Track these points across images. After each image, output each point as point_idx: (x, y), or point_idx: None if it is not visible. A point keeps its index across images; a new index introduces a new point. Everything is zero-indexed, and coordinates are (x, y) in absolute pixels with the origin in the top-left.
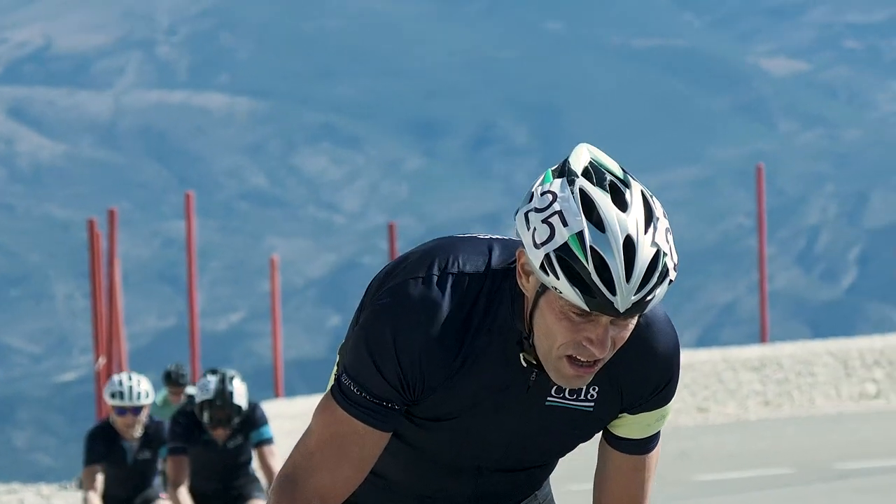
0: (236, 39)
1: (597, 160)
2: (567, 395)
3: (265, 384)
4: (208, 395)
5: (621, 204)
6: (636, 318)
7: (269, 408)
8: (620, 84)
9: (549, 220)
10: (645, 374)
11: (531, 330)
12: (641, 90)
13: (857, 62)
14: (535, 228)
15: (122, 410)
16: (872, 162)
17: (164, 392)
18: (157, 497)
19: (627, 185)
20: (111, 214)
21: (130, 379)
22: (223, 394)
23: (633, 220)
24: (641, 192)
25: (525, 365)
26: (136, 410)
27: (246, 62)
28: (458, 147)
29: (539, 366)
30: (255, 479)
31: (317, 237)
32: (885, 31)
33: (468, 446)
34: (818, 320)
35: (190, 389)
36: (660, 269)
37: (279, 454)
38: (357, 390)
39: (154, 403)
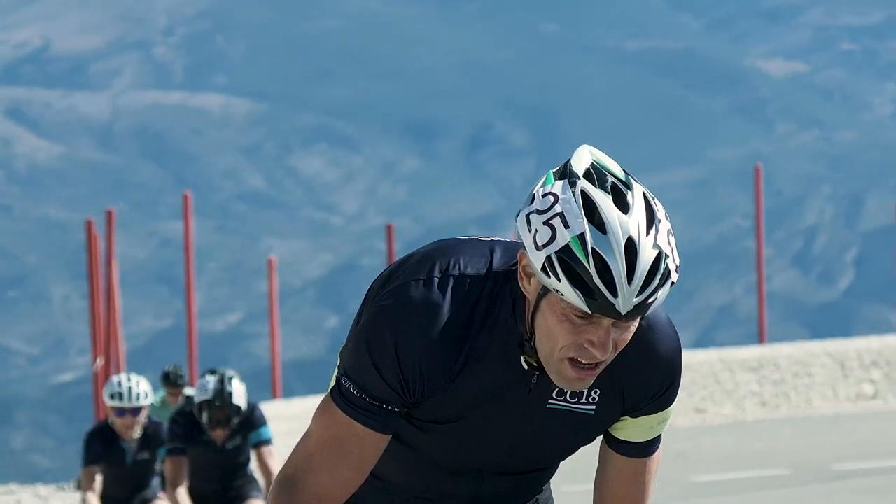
0: (233, 41)
1: (598, 162)
2: (568, 397)
3: (263, 385)
4: (207, 396)
5: (623, 206)
6: (638, 320)
7: (267, 409)
8: (617, 85)
9: (551, 221)
10: (647, 376)
11: (533, 332)
12: (638, 91)
13: (853, 64)
14: (536, 230)
15: (121, 411)
16: (869, 164)
17: (161, 393)
18: (156, 497)
19: (629, 187)
20: (109, 215)
21: (129, 380)
22: (222, 394)
23: (634, 221)
24: (643, 193)
25: (526, 367)
26: (136, 411)
27: (243, 63)
28: (455, 148)
29: (540, 368)
30: (254, 480)
31: (314, 238)
32: (881, 33)
33: (469, 449)
34: (815, 321)
35: (188, 390)
36: (661, 271)
37: (278, 455)
38: (357, 392)
39: (152, 404)
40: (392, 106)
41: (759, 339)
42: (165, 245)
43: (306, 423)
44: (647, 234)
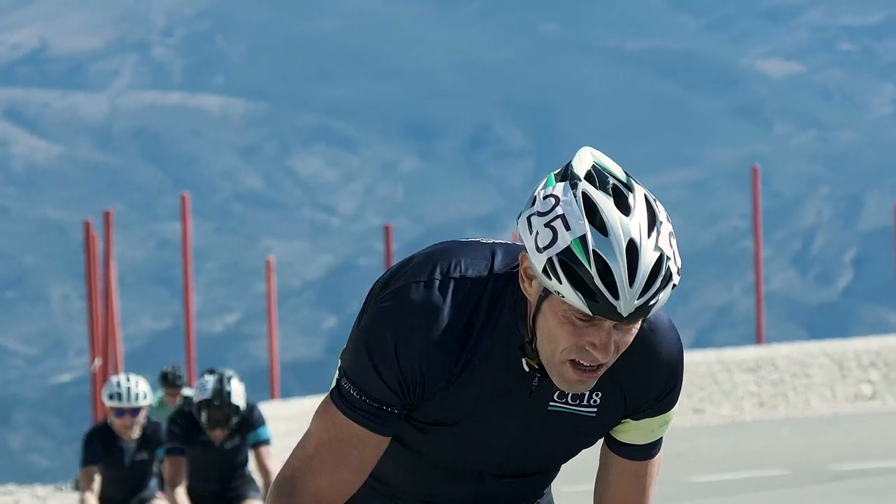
0: (232, 41)
1: (600, 164)
2: (570, 400)
3: (261, 386)
4: (206, 396)
5: (624, 208)
6: (639, 322)
7: (265, 409)
8: (616, 86)
9: (552, 223)
10: (648, 379)
11: (534, 334)
12: (637, 92)
13: (852, 64)
14: (537, 232)
15: (120, 412)
16: (867, 164)
17: (160, 393)
18: (154, 497)
19: (630, 189)
20: (107, 216)
21: (129, 380)
22: (221, 394)
23: (636, 223)
24: (644, 195)
25: (527, 369)
26: (135, 412)
27: (241, 64)
28: (453, 149)
29: (541, 370)
30: (252, 480)
31: (313, 239)
32: (881, 33)
33: (469, 451)
34: (814, 322)
35: (186, 391)
36: (663, 273)
37: (276, 455)
38: (357, 394)
39: (150, 405)
40: (391, 106)
41: (758, 339)
42: (164, 246)
43: (304, 423)
44: (649, 236)
